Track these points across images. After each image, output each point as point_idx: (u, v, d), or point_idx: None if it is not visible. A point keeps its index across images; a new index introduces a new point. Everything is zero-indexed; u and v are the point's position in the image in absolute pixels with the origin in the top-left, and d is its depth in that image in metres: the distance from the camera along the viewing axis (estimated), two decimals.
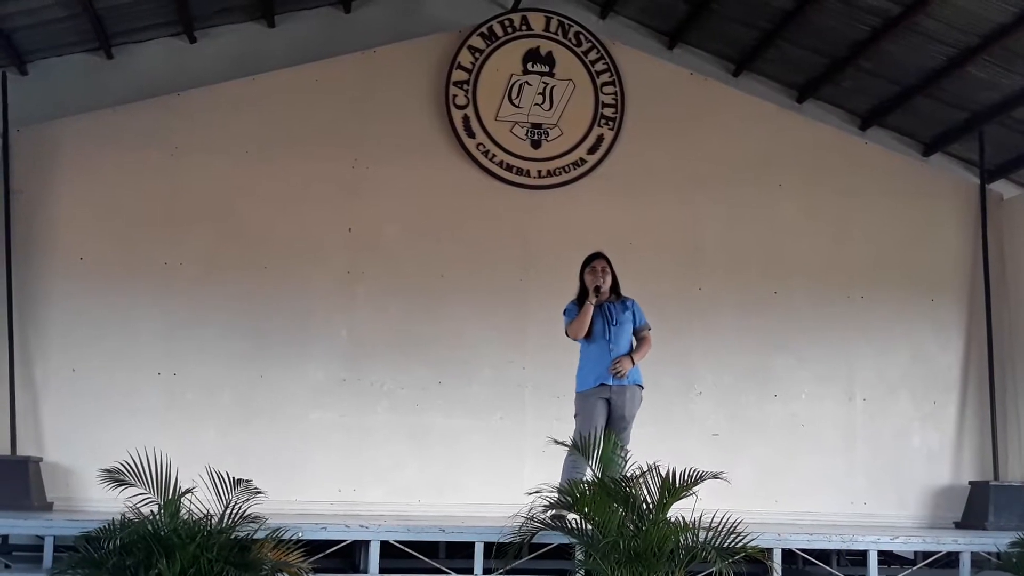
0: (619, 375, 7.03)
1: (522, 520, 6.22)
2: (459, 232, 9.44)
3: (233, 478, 5.75)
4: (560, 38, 9.80)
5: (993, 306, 10.01)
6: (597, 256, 7.25)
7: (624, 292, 7.33)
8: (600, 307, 7.11)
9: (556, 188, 9.63)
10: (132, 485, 5.73)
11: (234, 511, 5.68)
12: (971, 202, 10.29)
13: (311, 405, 9.04)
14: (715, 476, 6.03)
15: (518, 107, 9.67)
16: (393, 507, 8.62)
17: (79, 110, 9.06)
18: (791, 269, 9.86)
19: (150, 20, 9.25)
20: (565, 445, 6.70)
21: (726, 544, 5.81)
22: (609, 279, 7.16)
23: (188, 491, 5.69)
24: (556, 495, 6.37)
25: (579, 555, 6.19)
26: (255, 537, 5.73)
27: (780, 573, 6.87)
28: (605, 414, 7.06)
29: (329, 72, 9.43)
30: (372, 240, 9.31)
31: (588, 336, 7.09)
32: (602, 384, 7.06)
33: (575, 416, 7.19)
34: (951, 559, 7.62)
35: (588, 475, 6.55)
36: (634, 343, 7.24)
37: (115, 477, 5.73)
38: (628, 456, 6.48)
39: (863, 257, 10.00)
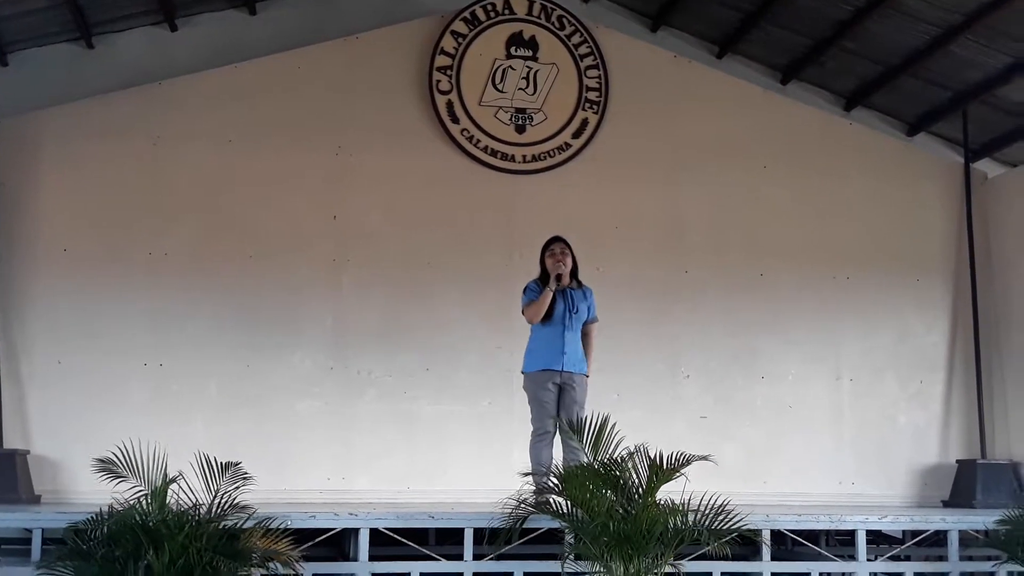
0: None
1: (512, 506, 6.22)
2: (444, 218, 9.42)
3: (221, 463, 5.74)
4: (543, 22, 9.77)
5: (979, 285, 10.04)
6: (556, 240, 7.22)
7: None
8: (562, 291, 7.09)
9: (541, 173, 9.62)
10: (122, 476, 5.71)
11: (223, 500, 5.67)
12: (956, 181, 10.32)
13: (298, 394, 9.03)
14: (703, 459, 6.02)
15: (502, 92, 9.65)
16: (382, 494, 8.63)
17: (61, 100, 9.01)
18: (776, 251, 9.87)
19: (131, 9, 9.21)
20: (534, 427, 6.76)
21: (715, 526, 5.82)
22: (569, 263, 7.13)
23: (174, 479, 5.67)
24: (545, 479, 6.38)
25: (569, 539, 6.20)
26: (244, 526, 5.72)
27: (769, 553, 6.89)
28: (556, 399, 7.05)
29: (311, 59, 9.40)
30: (357, 227, 9.29)
31: (546, 319, 7.07)
32: (549, 369, 7.05)
33: (528, 401, 7.15)
34: (939, 537, 7.65)
35: (555, 459, 6.60)
36: (584, 337, 7.21)
37: (108, 467, 5.71)
38: (609, 436, 6.44)
39: (848, 238, 10.02)
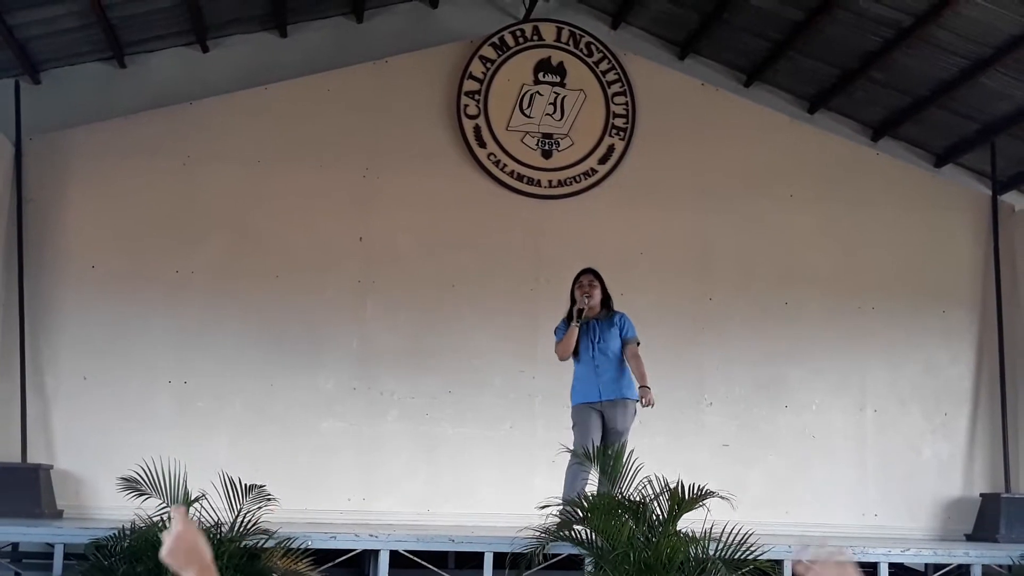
0: (650, 404, 7.04)
1: (534, 533, 6.21)
2: (470, 241, 9.44)
3: (245, 484, 5.76)
4: (571, 48, 9.81)
5: (1005, 317, 9.98)
6: (585, 272, 7.27)
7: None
8: (586, 325, 7.12)
9: (567, 198, 9.64)
10: (145, 493, 5.74)
11: (245, 519, 5.69)
12: (983, 213, 10.27)
13: (322, 414, 9.04)
14: (723, 497, 6.02)
15: (529, 117, 9.68)
16: (403, 516, 8.63)
17: (92, 119, 9.09)
18: (802, 280, 9.84)
19: (163, 30, 9.28)
20: (571, 451, 6.74)
21: (736, 556, 5.80)
22: (597, 295, 7.17)
23: (198, 498, 5.70)
24: (565, 507, 6.38)
25: (589, 567, 6.18)
26: (265, 546, 5.73)
27: None
28: (600, 426, 7.11)
29: (341, 82, 9.46)
30: (383, 249, 9.32)
31: (575, 355, 7.12)
32: (588, 403, 7.10)
33: (572, 427, 7.25)
34: (962, 572, 7.59)
35: (591, 485, 6.59)
36: (624, 362, 7.25)
37: (131, 485, 5.74)
38: (628, 466, 6.45)
39: (874, 268, 9.98)
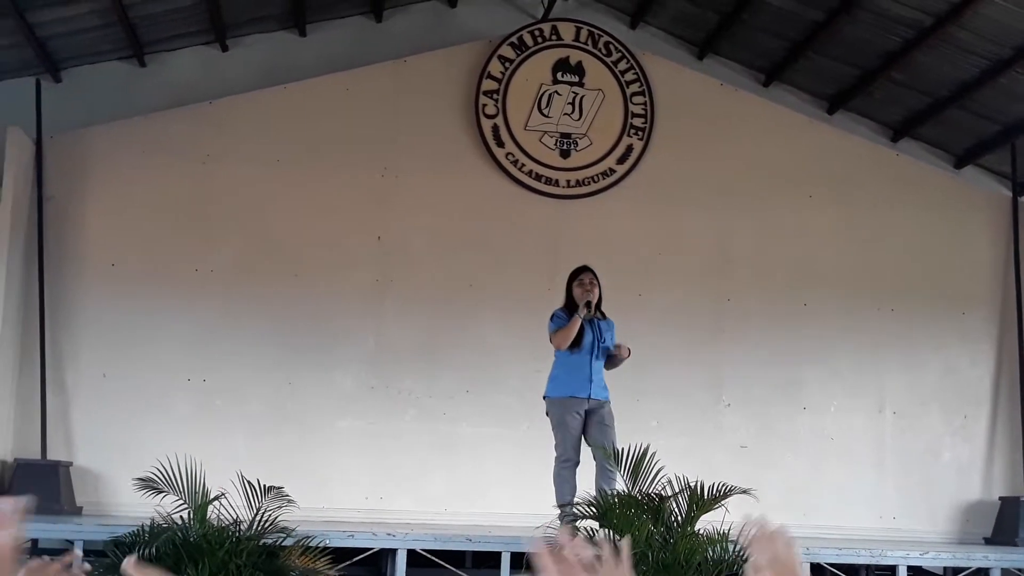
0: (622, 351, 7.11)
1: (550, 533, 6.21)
2: (487, 241, 9.45)
3: (264, 485, 5.77)
4: (590, 48, 9.80)
5: None
6: (585, 269, 7.27)
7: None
8: (590, 321, 7.13)
9: (585, 198, 9.63)
10: (164, 492, 5.76)
11: (263, 518, 5.70)
12: (1003, 215, 10.22)
13: (339, 412, 9.06)
14: (744, 492, 6.00)
15: (547, 117, 9.68)
16: (420, 516, 8.62)
17: (112, 118, 9.13)
18: (821, 281, 9.81)
19: (183, 29, 9.32)
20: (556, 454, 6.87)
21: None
22: (597, 293, 7.16)
23: (217, 497, 5.71)
24: (583, 507, 6.38)
25: None
26: (283, 544, 5.75)
27: None
28: (581, 425, 7.10)
29: (360, 81, 9.47)
30: (401, 248, 9.34)
31: (574, 346, 7.09)
32: (576, 397, 7.07)
33: (553, 427, 7.19)
34: (981, 575, 7.55)
35: (579, 491, 6.67)
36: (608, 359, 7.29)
37: (149, 484, 5.76)
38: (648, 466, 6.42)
39: (893, 269, 9.94)
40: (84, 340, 8.80)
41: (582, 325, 7.06)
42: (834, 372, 9.76)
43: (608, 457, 6.49)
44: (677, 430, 9.15)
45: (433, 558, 6.62)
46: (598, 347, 7.12)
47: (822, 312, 9.78)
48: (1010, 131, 9.87)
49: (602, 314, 7.28)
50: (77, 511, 8.25)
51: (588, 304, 7.04)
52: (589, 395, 7.04)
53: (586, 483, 6.88)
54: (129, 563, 2.10)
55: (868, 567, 7.93)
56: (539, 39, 9.74)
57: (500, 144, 9.54)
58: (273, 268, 9.11)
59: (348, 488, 8.83)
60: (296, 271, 9.12)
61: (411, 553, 6.54)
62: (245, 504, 5.78)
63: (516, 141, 9.56)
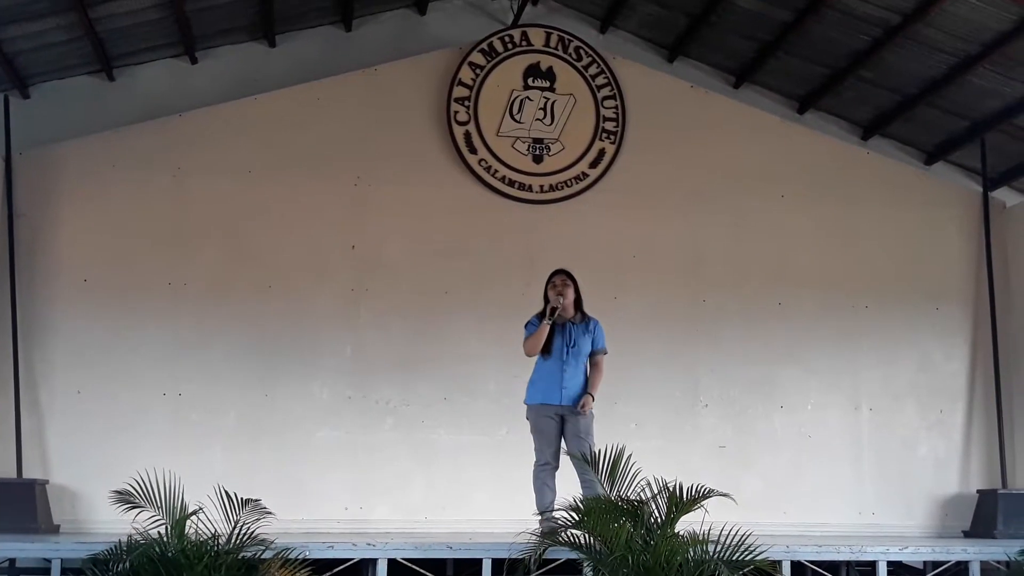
0: (584, 411, 7.02)
1: (531, 539, 6.21)
2: (462, 248, 9.44)
3: (241, 498, 5.75)
4: (560, 53, 9.81)
5: (998, 313, 10.00)
6: (558, 272, 7.26)
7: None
8: (562, 326, 7.11)
9: (558, 203, 9.64)
10: (141, 507, 5.73)
11: (242, 531, 5.67)
12: (974, 210, 10.29)
13: (317, 423, 9.03)
14: (723, 495, 6.01)
15: (519, 122, 9.69)
16: (400, 524, 8.59)
17: (81, 132, 9.09)
18: (795, 280, 9.84)
19: (151, 42, 9.29)
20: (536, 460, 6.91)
21: (735, 557, 5.80)
22: (570, 294, 7.14)
23: (195, 511, 5.69)
24: (550, 517, 6.40)
25: (587, 570, 6.18)
26: (263, 557, 5.72)
27: None
28: (558, 429, 7.09)
29: (331, 90, 9.45)
30: (376, 257, 9.32)
31: (545, 353, 7.09)
32: (547, 403, 7.08)
33: (531, 431, 7.20)
34: (960, 568, 7.59)
35: (557, 494, 6.72)
36: (588, 368, 7.22)
37: (125, 499, 5.73)
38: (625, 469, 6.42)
39: (867, 267, 9.98)
40: (58, 357, 8.74)
41: (552, 332, 7.06)
42: (810, 370, 9.79)
43: (586, 469, 6.50)
44: (655, 431, 9.17)
45: (414, 567, 6.61)
46: (567, 352, 7.09)
47: (797, 311, 9.82)
48: (979, 127, 9.94)
49: (583, 316, 7.25)
50: (54, 529, 8.19)
51: (553, 310, 7.02)
52: (560, 401, 7.04)
53: (567, 488, 6.87)
54: None
55: (848, 563, 7.93)
56: (509, 45, 9.76)
57: (473, 151, 9.54)
58: (247, 280, 9.08)
59: (327, 499, 8.81)
60: (270, 282, 9.09)
61: (392, 563, 6.52)
62: (223, 518, 5.75)
63: (489, 147, 9.57)
